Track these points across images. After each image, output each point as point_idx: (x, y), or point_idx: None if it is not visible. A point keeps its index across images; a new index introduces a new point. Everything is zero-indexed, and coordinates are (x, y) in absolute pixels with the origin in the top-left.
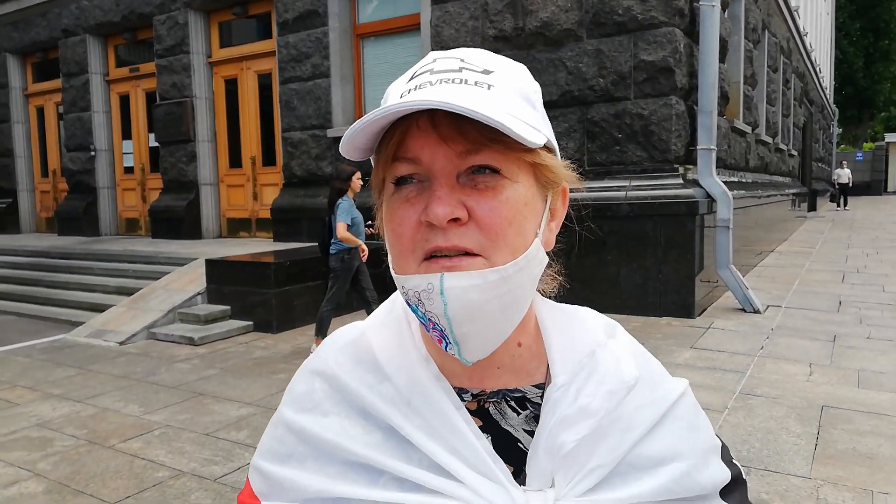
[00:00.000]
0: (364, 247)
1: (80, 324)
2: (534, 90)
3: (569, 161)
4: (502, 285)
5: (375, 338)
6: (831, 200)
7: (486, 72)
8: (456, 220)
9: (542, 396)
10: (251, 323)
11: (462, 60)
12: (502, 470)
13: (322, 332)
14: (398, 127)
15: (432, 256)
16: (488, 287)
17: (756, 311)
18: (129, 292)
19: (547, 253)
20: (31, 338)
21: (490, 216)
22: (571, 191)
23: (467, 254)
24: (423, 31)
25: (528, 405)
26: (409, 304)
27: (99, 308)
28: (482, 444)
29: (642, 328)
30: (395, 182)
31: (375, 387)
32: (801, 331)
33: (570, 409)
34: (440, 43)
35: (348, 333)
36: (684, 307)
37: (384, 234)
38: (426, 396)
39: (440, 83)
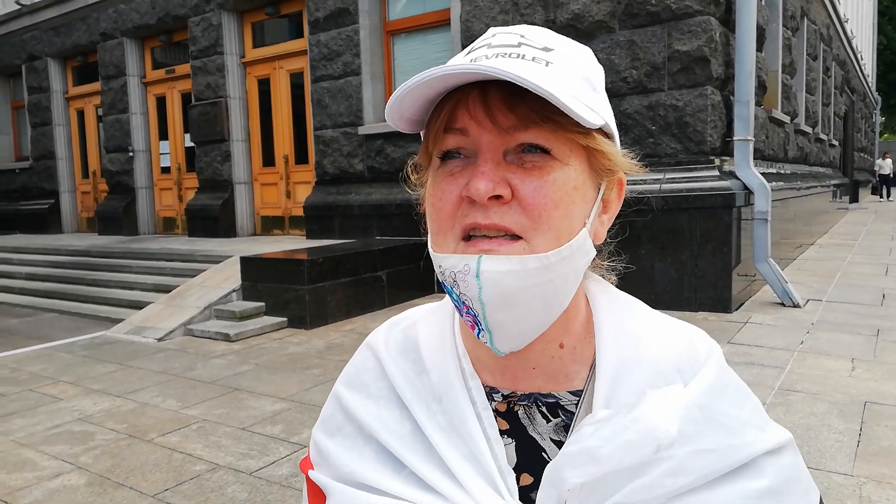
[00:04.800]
0: None
1: (120, 321)
2: (595, 73)
3: (630, 150)
4: (543, 274)
5: (423, 328)
6: (873, 192)
7: (546, 49)
8: (498, 197)
9: (577, 404)
10: (285, 319)
11: (522, 36)
12: (511, 485)
13: None
14: (450, 100)
15: (471, 237)
16: (528, 274)
17: (795, 306)
18: (166, 290)
19: (598, 247)
20: (73, 335)
21: (534, 196)
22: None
23: (507, 235)
24: (454, 27)
25: (561, 413)
26: (444, 286)
27: (138, 305)
28: (498, 452)
29: None
30: (441, 157)
31: (412, 379)
32: (842, 325)
33: (576, 445)
34: (470, 38)
35: (405, 319)
36: (721, 302)
37: (425, 210)
38: (452, 397)
39: (496, 57)
